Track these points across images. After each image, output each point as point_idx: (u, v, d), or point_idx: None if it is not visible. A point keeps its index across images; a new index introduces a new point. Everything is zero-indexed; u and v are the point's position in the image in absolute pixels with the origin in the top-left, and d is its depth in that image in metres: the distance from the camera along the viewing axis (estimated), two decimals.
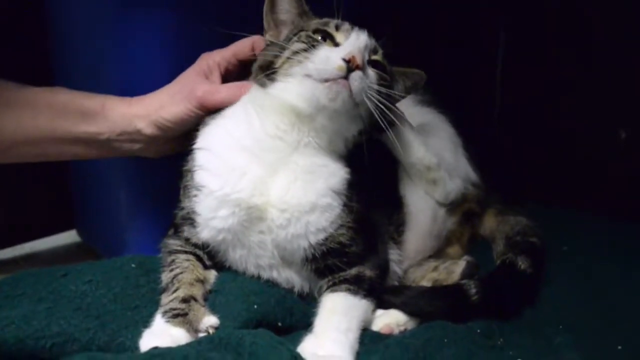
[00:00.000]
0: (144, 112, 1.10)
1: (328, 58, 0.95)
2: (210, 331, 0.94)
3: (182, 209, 1.07)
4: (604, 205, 1.42)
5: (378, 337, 1.01)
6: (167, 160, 1.18)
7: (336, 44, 1.01)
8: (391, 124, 1.00)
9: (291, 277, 1.06)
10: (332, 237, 1.01)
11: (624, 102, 1.51)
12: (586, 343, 0.99)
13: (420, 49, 1.51)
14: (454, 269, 1.16)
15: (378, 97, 0.97)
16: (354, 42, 0.99)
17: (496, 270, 1.14)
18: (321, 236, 1.00)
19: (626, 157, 1.49)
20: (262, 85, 1.03)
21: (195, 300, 0.98)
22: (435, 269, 1.18)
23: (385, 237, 1.14)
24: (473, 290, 1.06)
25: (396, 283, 1.16)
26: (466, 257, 1.20)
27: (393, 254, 1.15)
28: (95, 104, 1.11)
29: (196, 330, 0.94)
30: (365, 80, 0.95)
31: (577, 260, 1.24)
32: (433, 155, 1.18)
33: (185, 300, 0.96)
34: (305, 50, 0.98)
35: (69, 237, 1.76)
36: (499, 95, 1.79)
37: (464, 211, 1.28)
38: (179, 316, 0.94)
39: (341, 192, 1.03)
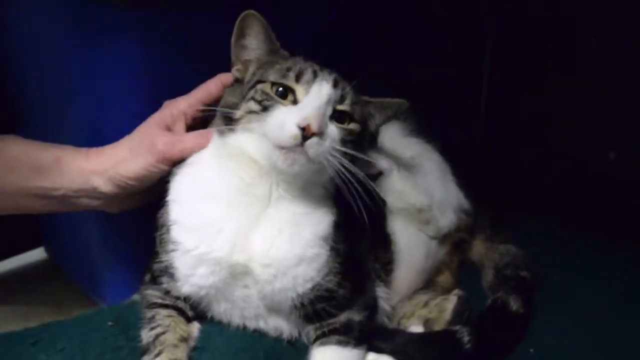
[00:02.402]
0: (100, 168, 1.02)
1: (283, 124, 0.88)
2: None
3: (160, 261, 1.00)
4: (592, 226, 1.40)
5: None
6: None
7: (295, 101, 0.93)
8: (369, 176, 0.94)
9: (279, 325, 1.02)
10: (320, 285, 0.97)
11: (614, 122, 1.48)
12: None
13: (404, 64, 1.46)
14: (445, 307, 1.13)
15: (340, 157, 0.91)
16: (313, 100, 0.92)
17: (488, 313, 1.11)
18: (308, 286, 0.96)
19: (615, 178, 1.47)
20: (221, 133, 0.98)
21: None
22: (426, 304, 1.15)
23: (372, 274, 1.10)
24: (466, 338, 1.02)
25: (385, 319, 1.12)
26: (457, 292, 1.16)
27: (380, 291, 1.11)
28: (49, 157, 1.03)
29: None
30: (323, 145, 0.89)
31: (568, 291, 1.23)
32: (424, 195, 1.14)
33: None
34: (260, 111, 0.92)
35: (36, 254, 1.69)
36: (483, 113, 1.74)
37: (454, 241, 1.25)
38: None
39: (328, 236, 0.98)
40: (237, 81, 1.03)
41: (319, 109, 0.90)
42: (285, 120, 0.88)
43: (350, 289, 1.00)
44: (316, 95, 0.92)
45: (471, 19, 1.69)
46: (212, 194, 0.97)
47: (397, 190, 1.11)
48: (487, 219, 1.33)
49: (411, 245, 1.17)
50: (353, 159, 0.94)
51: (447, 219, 1.19)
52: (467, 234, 1.27)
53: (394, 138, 1.19)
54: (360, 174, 0.92)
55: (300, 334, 1.03)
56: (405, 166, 1.17)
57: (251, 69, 1.02)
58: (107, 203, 1.07)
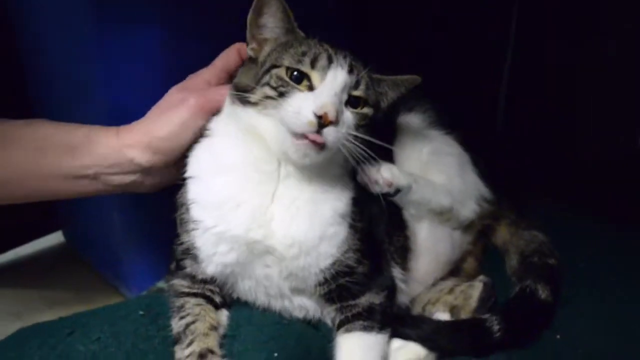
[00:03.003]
0: (135, 140, 1.01)
1: (299, 111, 0.88)
2: None
3: (182, 243, 1.01)
4: (618, 214, 1.39)
5: None
6: None
7: (311, 87, 0.92)
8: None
9: (304, 304, 1.03)
10: (340, 261, 0.98)
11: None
12: None
13: (425, 49, 1.44)
14: (471, 293, 1.13)
15: (355, 142, 0.92)
16: (329, 87, 0.91)
17: (517, 301, 1.11)
18: (329, 261, 0.97)
19: None
20: (233, 102, 0.98)
21: (212, 352, 0.94)
22: (451, 291, 1.15)
23: (387, 254, 1.10)
24: (496, 327, 1.03)
25: (404, 297, 1.12)
26: (482, 278, 1.17)
27: (395, 272, 1.10)
28: (79, 136, 1.02)
29: None
30: (339, 132, 0.90)
31: (595, 279, 1.22)
32: (443, 196, 1.13)
33: (202, 355, 0.92)
34: (276, 97, 0.91)
35: (53, 238, 1.70)
36: (503, 100, 1.72)
37: (479, 229, 1.24)
38: None
39: (347, 214, 0.99)
40: (251, 59, 1.02)
41: (335, 97, 0.90)
42: (302, 107, 0.89)
43: (369, 267, 1.01)
44: (332, 83, 0.92)
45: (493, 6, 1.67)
46: (227, 166, 0.98)
47: (416, 201, 1.11)
48: (511, 205, 1.32)
49: (435, 239, 1.17)
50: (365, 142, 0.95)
51: (468, 210, 1.18)
52: (491, 220, 1.26)
53: (414, 130, 1.19)
54: (373, 155, 0.94)
55: (322, 313, 1.04)
56: (423, 164, 1.17)
57: (267, 49, 1.00)
58: (141, 178, 1.05)
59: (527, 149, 1.62)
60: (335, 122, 0.88)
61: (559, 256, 1.20)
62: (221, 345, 0.97)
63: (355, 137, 0.92)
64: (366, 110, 0.96)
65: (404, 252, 1.13)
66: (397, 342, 1.04)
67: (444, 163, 1.19)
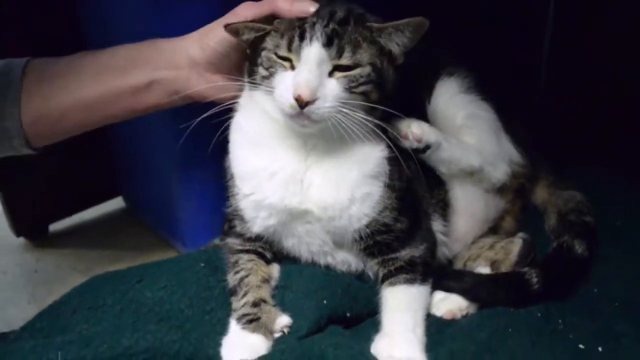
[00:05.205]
0: (191, 37, 1.10)
1: (282, 93, 0.93)
2: (285, 331, 0.99)
3: (230, 205, 1.10)
4: None
5: (442, 323, 1.05)
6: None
7: (293, 67, 0.95)
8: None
9: (346, 258, 1.09)
10: (376, 221, 1.03)
11: None
12: None
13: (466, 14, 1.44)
14: (511, 249, 1.17)
15: (351, 109, 0.94)
16: (303, 67, 0.92)
17: (554, 255, 1.15)
18: (364, 222, 1.03)
19: None
20: (250, 87, 1.04)
21: (265, 302, 1.02)
22: (492, 247, 1.20)
23: (428, 207, 1.14)
24: (534, 280, 1.08)
25: (445, 250, 1.17)
26: (521, 235, 1.21)
27: (437, 225, 1.14)
28: (143, 44, 1.13)
29: (271, 332, 0.99)
30: (322, 108, 0.92)
31: (631, 236, 1.25)
32: (474, 156, 1.16)
33: (255, 304, 1.01)
34: (268, 77, 0.97)
35: (114, 204, 1.81)
36: (544, 66, 1.72)
37: (515, 189, 1.26)
38: (252, 321, 0.98)
39: (379, 174, 1.03)
40: None
41: (309, 74, 0.91)
42: (284, 89, 0.93)
43: (408, 223, 1.05)
44: (306, 61, 0.93)
45: None
46: (257, 142, 1.04)
47: (446, 160, 1.13)
48: (550, 167, 1.35)
49: (469, 200, 1.20)
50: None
51: (499, 172, 1.20)
52: (527, 181, 1.29)
53: (450, 95, 1.22)
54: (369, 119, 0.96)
55: (365, 266, 1.09)
56: (457, 127, 1.20)
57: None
58: (187, 73, 1.10)
59: (567, 114, 1.62)
60: (312, 102, 0.91)
61: (595, 214, 1.22)
62: (273, 296, 1.05)
63: (355, 101, 0.94)
64: (358, 70, 0.95)
65: (444, 206, 1.17)
66: (440, 294, 1.10)
67: (478, 127, 1.21)
